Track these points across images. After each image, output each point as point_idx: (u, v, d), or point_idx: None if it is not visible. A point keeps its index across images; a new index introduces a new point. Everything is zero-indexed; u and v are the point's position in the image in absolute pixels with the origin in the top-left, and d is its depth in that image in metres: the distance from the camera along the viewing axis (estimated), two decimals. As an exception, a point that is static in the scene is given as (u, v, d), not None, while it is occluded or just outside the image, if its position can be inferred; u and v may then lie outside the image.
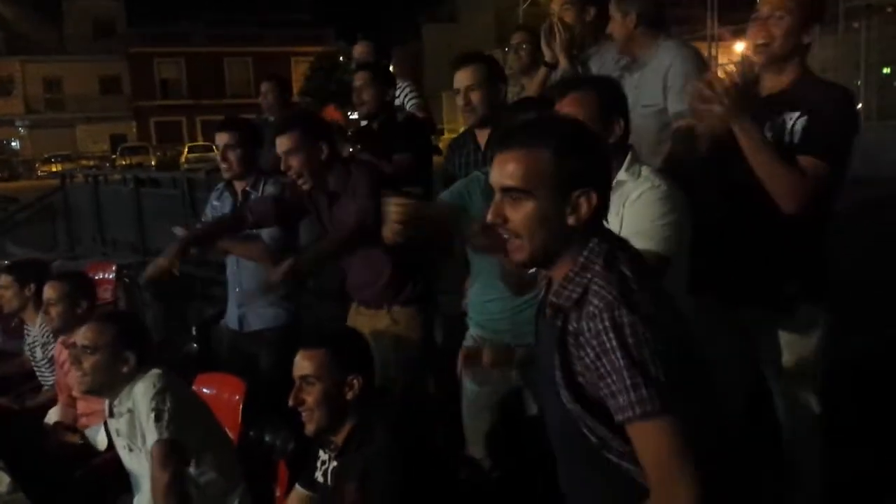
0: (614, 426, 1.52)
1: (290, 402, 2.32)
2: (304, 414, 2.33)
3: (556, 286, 1.61)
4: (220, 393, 3.35)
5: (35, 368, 4.22)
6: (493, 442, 2.92)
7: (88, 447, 3.40)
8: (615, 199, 2.14)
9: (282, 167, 3.23)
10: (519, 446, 2.86)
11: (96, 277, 6.24)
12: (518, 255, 1.62)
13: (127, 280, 6.61)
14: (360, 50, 4.83)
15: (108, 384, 2.77)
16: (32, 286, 3.89)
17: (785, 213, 2.42)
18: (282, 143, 3.18)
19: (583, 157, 1.60)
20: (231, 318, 3.84)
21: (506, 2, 39.12)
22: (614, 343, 1.47)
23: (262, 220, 3.45)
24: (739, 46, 24.36)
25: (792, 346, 2.62)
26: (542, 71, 3.59)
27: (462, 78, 3.08)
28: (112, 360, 2.74)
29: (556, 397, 1.60)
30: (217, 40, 44.81)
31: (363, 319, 3.33)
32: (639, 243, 1.94)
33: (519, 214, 1.58)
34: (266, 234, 3.60)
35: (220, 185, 3.93)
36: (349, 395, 2.33)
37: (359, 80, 4.17)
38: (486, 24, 42.89)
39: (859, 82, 16.16)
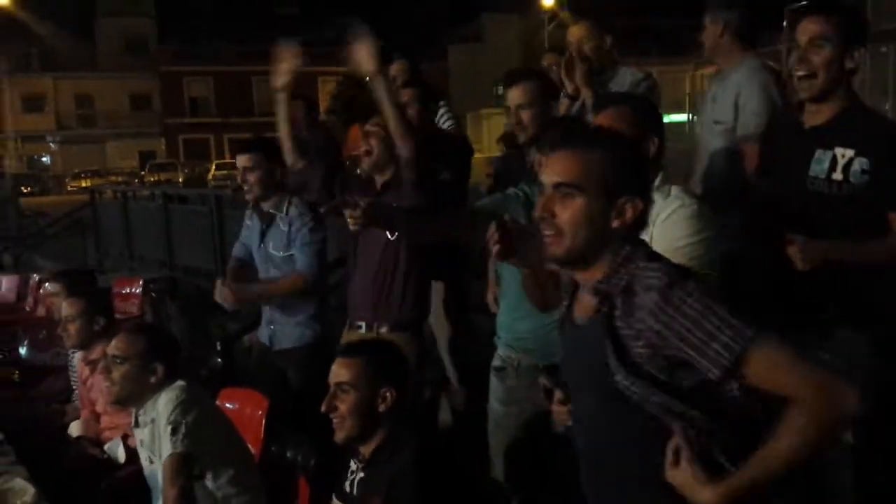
0: (688, 394, 1.56)
1: (323, 408, 2.34)
2: (335, 421, 2.35)
3: (601, 277, 1.64)
4: (244, 408, 3.37)
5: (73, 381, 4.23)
6: (517, 462, 2.90)
7: (110, 460, 3.43)
8: None
9: (361, 144, 3.33)
10: (543, 468, 2.84)
11: (123, 292, 6.33)
12: (555, 249, 1.66)
13: (154, 294, 6.68)
14: (396, 69, 4.81)
15: (136, 394, 2.81)
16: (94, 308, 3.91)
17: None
18: (372, 122, 3.32)
19: (634, 166, 1.71)
20: (263, 335, 3.88)
21: (531, 22, 39.28)
22: (687, 300, 1.52)
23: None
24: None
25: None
26: (565, 102, 3.61)
27: (513, 96, 3.05)
28: (141, 370, 2.78)
29: (602, 388, 1.62)
30: (246, 59, 45.25)
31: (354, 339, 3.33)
32: None
33: (567, 211, 1.64)
34: (301, 263, 3.64)
35: (249, 207, 3.95)
36: (381, 408, 2.34)
37: (405, 96, 4.21)
38: (511, 45, 43.05)
39: (887, 106, 16.03)
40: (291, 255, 3.66)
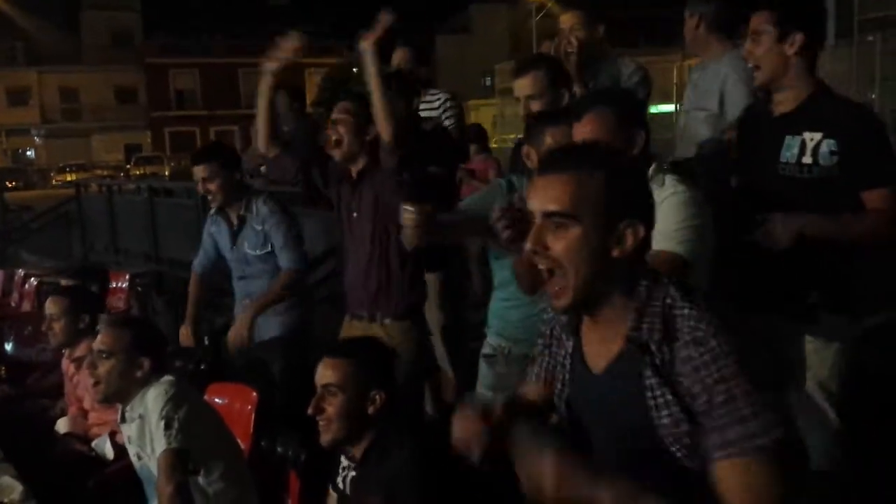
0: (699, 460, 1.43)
1: (310, 411, 2.27)
2: (320, 423, 2.28)
3: (631, 321, 1.48)
4: (232, 403, 3.35)
5: None
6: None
7: (98, 457, 3.41)
8: None
9: (329, 134, 3.30)
10: None
11: (110, 286, 6.29)
12: (561, 299, 1.50)
13: (140, 289, 6.64)
14: (399, 56, 4.71)
15: (123, 390, 2.78)
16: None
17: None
18: (338, 109, 3.29)
19: (634, 186, 1.54)
20: None
21: (519, 13, 39.27)
22: (733, 369, 1.38)
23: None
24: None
25: (810, 357, 2.58)
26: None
27: (521, 86, 2.98)
28: (127, 365, 2.75)
29: (633, 440, 1.50)
30: (232, 51, 45.14)
31: (354, 332, 3.32)
32: (660, 245, 1.92)
33: (561, 242, 1.47)
34: (287, 258, 3.68)
35: (213, 213, 3.96)
36: (370, 410, 2.28)
37: None
38: (499, 35, 43.05)
39: (874, 95, 16.11)
40: (269, 252, 3.73)
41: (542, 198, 1.50)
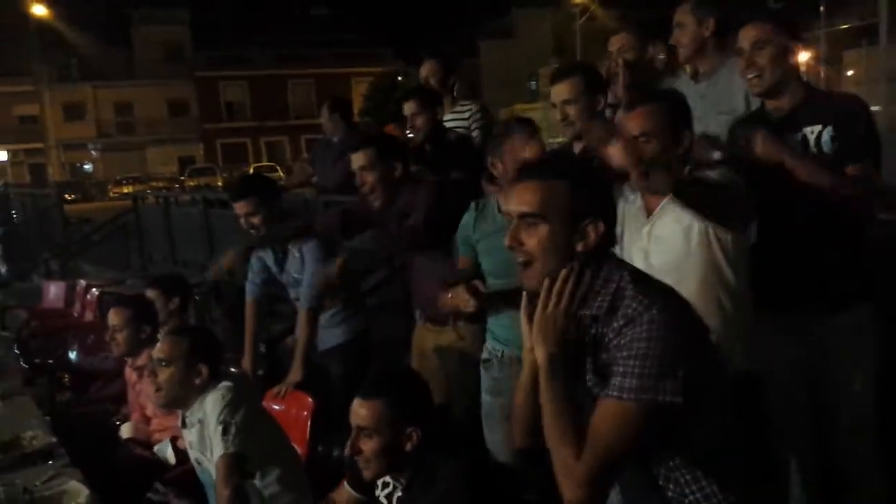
0: None
1: (347, 451, 2.27)
2: (360, 462, 2.26)
3: (589, 299, 1.73)
4: (289, 409, 3.42)
5: None
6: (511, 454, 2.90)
7: (160, 462, 3.49)
8: None
9: (357, 182, 3.31)
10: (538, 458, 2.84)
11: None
12: (530, 281, 1.77)
13: (198, 298, 6.76)
14: (427, 69, 4.78)
15: (182, 396, 2.85)
16: (177, 300, 3.99)
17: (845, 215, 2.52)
18: (357, 159, 3.28)
19: (594, 190, 1.79)
20: None
21: (562, 16, 39.07)
22: (644, 336, 1.62)
23: (328, 230, 3.54)
24: (803, 56, 23.93)
25: (846, 347, 2.62)
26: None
27: (558, 92, 3.03)
28: (186, 372, 2.82)
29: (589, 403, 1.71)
30: (280, 63, 45.76)
31: (429, 335, 3.35)
32: None
33: (533, 239, 1.75)
34: (303, 296, 3.76)
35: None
36: (407, 447, 2.25)
37: (408, 109, 4.22)
38: (543, 39, 42.86)
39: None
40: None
41: (517, 201, 1.78)
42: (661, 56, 3.55)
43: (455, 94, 4.90)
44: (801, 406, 2.70)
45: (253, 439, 2.72)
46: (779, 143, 2.54)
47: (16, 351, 5.83)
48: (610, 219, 1.79)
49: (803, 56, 23.90)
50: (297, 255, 3.81)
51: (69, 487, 2.79)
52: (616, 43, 3.48)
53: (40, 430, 3.33)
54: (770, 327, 2.56)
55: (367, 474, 2.29)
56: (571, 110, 2.99)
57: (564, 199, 1.73)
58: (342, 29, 47.00)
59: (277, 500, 2.81)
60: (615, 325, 1.68)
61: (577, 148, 3.08)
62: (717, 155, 2.93)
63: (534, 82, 40.57)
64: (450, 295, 2.72)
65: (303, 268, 3.79)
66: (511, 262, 2.67)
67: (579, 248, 1.73)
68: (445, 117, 4.81)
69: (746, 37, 2.66)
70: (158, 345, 2.92)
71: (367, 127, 5.70)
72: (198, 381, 2.83)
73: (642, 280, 1.75)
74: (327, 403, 3.37)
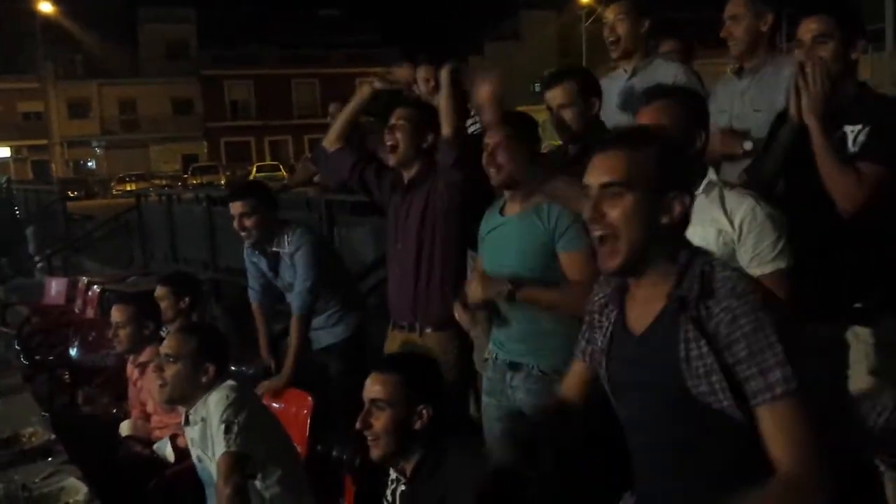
0: (742, 404, 1.58)
1: (358, 426, 2.26)
2: (369, 439, 2.27)
3: (673, 280, 1.65)
4: (289, 407, 3.41)
5: None
6: (508, 452, 2.89)
7: (159, 460, 3.48)
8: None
9: (386, 139, 3.32)
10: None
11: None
12: (613, 261, 1.68)
13: (198, 296, 6.77)
14: (423, 73, 4.77)
15: (187, 393, 2.85)
16: (187, 299, 3.99)
17: (846, 216, 2.43)
18: (396, 115, 3.29)
19: (681, 161, 1.74)
20: None
21: (568, 18, 39.09)
22: (767, 320, 1.55)
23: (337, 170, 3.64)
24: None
25: (874, 361, 2.53)
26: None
27: (553, 97, 3.03)
28: (193, 369, 2.82)
29: (670, 398, 1.65)
30: (284, 62, 45.80)
31: (396, 342, 3.35)
32: (763, 268, 2.20)
33: (617, 209, 1.65)
34: (294, 303, 3.77)
35: (247, 245, 4.03)
36: (418, 425, 2.26)
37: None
38: (548, 41, 42.89)
39: None
40: None
41: (599, 171, 1.69)
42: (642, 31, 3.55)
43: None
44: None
45: (255, 439, 2.72)
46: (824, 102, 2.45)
47: (16, 347, 5.85)
48: (692, 194, 1.71)
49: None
50: (288, 262, 3.83)
51: (68, 484, 2.78)
52: (611, 13, 3.52)
53: (39, 427, 3.32)
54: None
55: (374, 452, 2.28)
56: (567, 114, 3.00)
57: (651, 167, 1.65)
58: (348, 29, 47.06)
59: (278, 500, 2.80)
60: (725, 303, 1.58)
61: (573, 151, 3.07)
62: (747, 145, 2.92)
63: (538, 84, 40.59)
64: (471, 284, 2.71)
65: (294, 274, 3.80)
66: (497, 261, 2.72)
67: (664, 221, 1.65)
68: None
69: (808, 29, 2.55)
70: (166, 341, 2.92)
71: (370, 126, 5.66)
72: (204, 380, 2.82)
73: (724, 262, 1.69)
74: (324, 401, 3.36)
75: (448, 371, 3.16)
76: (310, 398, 3.35)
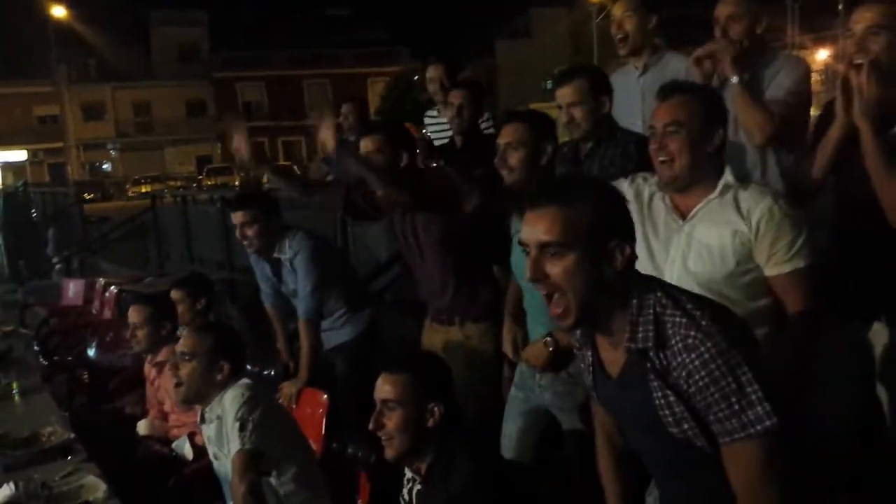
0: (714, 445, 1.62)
1: (371, 426, 2.27)
2: (383, 439, 2.27)
3: (627, 333, 1.64)
4: (304, 407, 3.44)
5: None
6: (520, 450, 2.91)
7: (177, 458, 3.52)
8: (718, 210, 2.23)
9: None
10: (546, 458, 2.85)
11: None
12: (565, 319, 1.66)
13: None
14: (432, 73, 4.82)
15: (203, 391, 2.87)
16: (203, 300, 4.03)
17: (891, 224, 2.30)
18: (365, 144, 3.26)
19: (617, 210, 1.69)
20: None
21: (579, 15, 38.97)
22: (724, 369, 1.55)
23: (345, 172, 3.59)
24: (822, 54, 23.67)
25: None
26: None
27: (563, 95, 3.02)
28: (208, 368, 2.84)
29: (658, 434, 1.67)
30: (295, 62, 45.89)
31: (437, 335, 3.36)
32: (783, 267, 2.19)
33: (559, 268, 1.63)
34: (300, 307, 3.80)
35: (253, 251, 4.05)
36: (430, 423, 2.26)
37: (455, 98, 4.21)
38: (560, 39, 42.77)
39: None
40: None
41: (535, 230, 1.65)
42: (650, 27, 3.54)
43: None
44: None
45: (270, 437, 2.73)
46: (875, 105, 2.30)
47: (35, 348, 5.89)
48: (633, 240, 1.68)
49: (822, 54, 23.68)
50: (289, 267, 3.86)
51: (87, 482, 2.81)
52: (619, 8, 3.52)
53: (59, 426, 3.35)
54: (829, 334, 2.39)
55: (389, 453, 2.28)
56: (577, 112, 2.99)
57: (588, 222, 1.61)
58: (359, 29, 47.08)
59: (293, 498, 2.82)
60: (679, 359, 1.58)
61: (584, 149, 3.07)
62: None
63: (549, 81, 40.40)
64: (529, 350, 2.75)
65: (297, 279, 3.83)
66: (522, 267, 2.71)
67: (607, 273, 1.63)
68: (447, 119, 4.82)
69: (862, 18, 2.44)
70: (182, 339, 2.94)
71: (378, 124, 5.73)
72: (219, 378, 2.84)
73: (675, 297, 1.65)
74: (333, 399, 3.39)
75: (488, 361, 3.24)
76: (325, 396, 3.37)
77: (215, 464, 2.95)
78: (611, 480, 2.06)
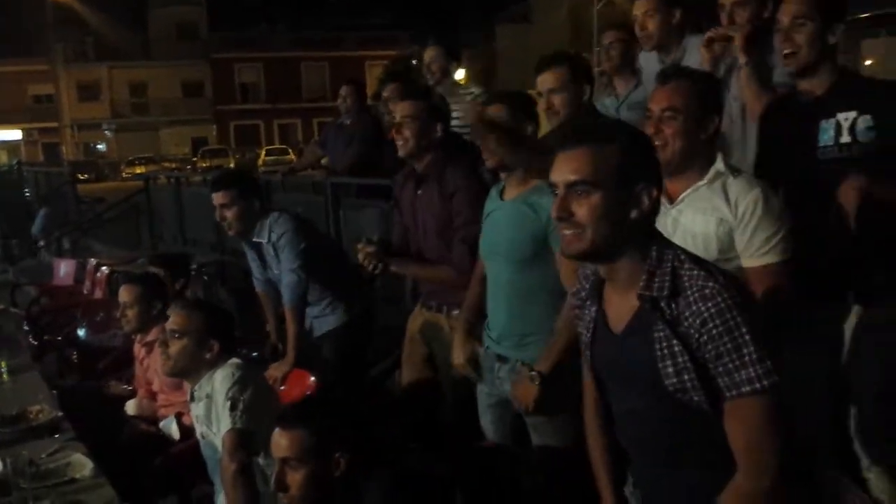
0: (715, 401, 1.63)
1: (273, 488, 2.12)
2: (286, 501, 2.11)
3: (643, 281, 1.65)
4: (291, 388, 3.44)
5: None
6: (498, 440, 2.91)
7: (164, 437, 3.53)
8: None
9: (393, 132, 3.26)
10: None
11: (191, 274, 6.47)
12: (577, 244, 1.67)
13: (206, 278, 6.82)
14: (430, 55, 4.80)
15: (191, 368, 2.88)
16: (182, 280, 4.00)
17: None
18: (403, 108, 3.23)
19: (645, 154, 1.72)
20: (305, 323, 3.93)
21: (580, 1, 38.80)
22: (739, 320, 1.57)
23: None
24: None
25: (881, 342, 2.49)
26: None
27: (544, 81, 3.03)
28: (197, 345, 2.85)
29: (652, 391, 1.67)
30: (294, 45, 45.69)
31: (419, 317, 3.38)
32: (762, 259, 2.21)
33: (585, 207, 1.64)
34: (284, 294, 3.72)
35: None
36: (336, 473, 2.11)
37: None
38: (560, 24, 42.59)
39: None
40: None
41: (564, 170, 1.68)
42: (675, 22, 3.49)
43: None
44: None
45: (259, 418, 2.74)
46: (861, 179, 2.35)
47: (25, 327, 5.90)
48: (660, 184, 1.71)
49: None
50: (272, 252, 3.78)
51: (74, 460, 2.83)
52: (640, 7, 3.45)
53: (47, 404, 3.36)
54: (799, 317, 2.41)
55: None
56: (556, 99, 2.99)
57: (617, 163, 1.64)
58: (359, 12, 46.85)
59: None
60: (694, 308, 1.60)
61: None
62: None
63: (548, 68, 40.24)
64: (515, 390, 2.67)
65: (279, 264, 3.75)
66: (491, 246, 2.72)
67: (633, 215, 1.65)
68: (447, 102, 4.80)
69: (787, 10, 2.55)
70: (172, 316, 2.93)
71: (380, 110, 5.68)
72: (208, 356, 2.85)
73: (693, 256, 1.69)
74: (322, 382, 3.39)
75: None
76: (312, 379, 3.38)
77: (202, 442, 2.96)
78: (603, 464, 2.01)
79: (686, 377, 1.62)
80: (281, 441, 2.12)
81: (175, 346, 2.86)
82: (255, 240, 3.82)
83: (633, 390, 1.76)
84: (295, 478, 2.09)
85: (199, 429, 2.95)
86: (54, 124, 42.72)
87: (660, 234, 1.74)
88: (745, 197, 2.25)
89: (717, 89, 2.43)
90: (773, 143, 2.72)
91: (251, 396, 2.75)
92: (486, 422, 2.93)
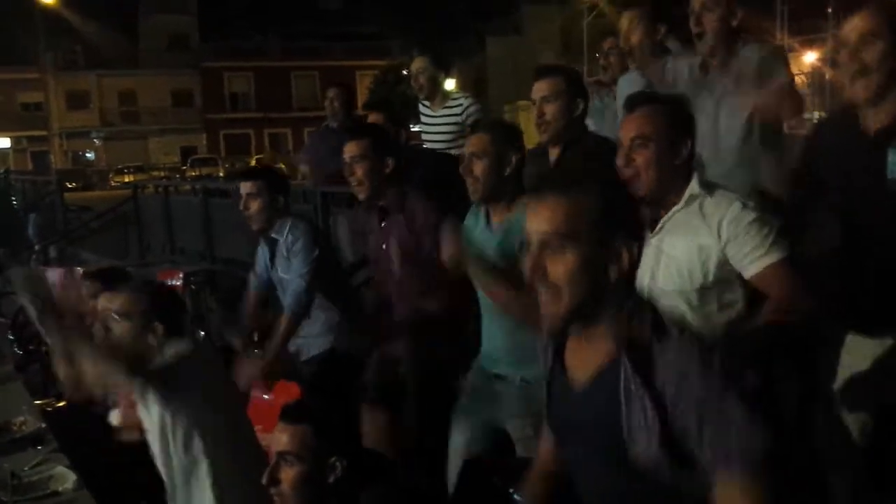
0: (681, 471, 1.45)
1: (264, 481, 2.07)
2: (275, 497, 2.07)
3: (614, 330, 1.51)
4: (277, 399, 3.42)
5: None
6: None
7: (148, 448, 3.48)
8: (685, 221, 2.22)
9: (345, 172, 3.28)
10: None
11: (165, 284, 6.42)
12: (553, 308, 1.50)
13: (194, 287, 6.78)
14: (417, 65, 4.82)
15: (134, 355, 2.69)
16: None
17: None
18: (350, 149, 3.24)
19: (625, 206, 1.57)
20: (292, 344, 3.84)
21: (570, 13, 38.99)
22: (726, 391, 1.40)
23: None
24: (810, 57, 23.77)
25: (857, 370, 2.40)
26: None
27: (538, 89, 3.01)
28: (142, 329, 2.70)
29: (613, 454, 1.50)
30: (285, 54, 45.73)
31: None
32: (759, 263, 2.15)
33: (560, 266, 1.47)
34: (287, 299, 3.66)
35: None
36: (331, 479, 2.06)
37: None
38: (550, 36, 42.79)
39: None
40: None
41: (539, 222, 1.50)
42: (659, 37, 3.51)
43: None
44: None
45: (193, 385, 2.64)
46: None
47: (10, 337, 5.84)
48: (641, 240, 1.55)
49: (810, 57, 23.76)
50: (284, 252, 3.73)
51: (56, 472, 2.81)
52: (626, 20, 3.47)
53: (30, 415, 3.33)
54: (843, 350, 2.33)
55: None
56: (549, 108, 2.97)
57: (596, 215, 1.47)
58: (349, 22, 46.93)
59: (226, 477, 2.72)
60: (674, 366, 1.43)
61: (553, 154, 3.05)
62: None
63: (538, 79, 40.41)
64: None
65: (288, 267, 3.69)
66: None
67: (612, 273, 1.48)
68: (436, 112, 4.81)
69: (854, 28, 2.30)
70: (116, 299, 2.76)
71: (364, 118, 5.68)
72: (151, 340, 2.70)
73: (664, 325, 1.51)
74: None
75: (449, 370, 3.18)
76: (297, 388, 3.36)
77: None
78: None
79: (654, 441, 1.43)
80: (282, 436, 2.08)
81: (118, 329, 2.71)
82: (273, 235, 3.79)
83: (587, 448, 1.60)
84: (289, 474, 2.05)
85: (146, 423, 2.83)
86: (43, 132, 42.55)
87: (640, 299, 1.56)
88: (726, 213, 2.21)
89: (687, 111, 2.35)
90: (833, 173, 2.48)
91: (193, 363, 2.67)
92: (462, 441, 2.85)
